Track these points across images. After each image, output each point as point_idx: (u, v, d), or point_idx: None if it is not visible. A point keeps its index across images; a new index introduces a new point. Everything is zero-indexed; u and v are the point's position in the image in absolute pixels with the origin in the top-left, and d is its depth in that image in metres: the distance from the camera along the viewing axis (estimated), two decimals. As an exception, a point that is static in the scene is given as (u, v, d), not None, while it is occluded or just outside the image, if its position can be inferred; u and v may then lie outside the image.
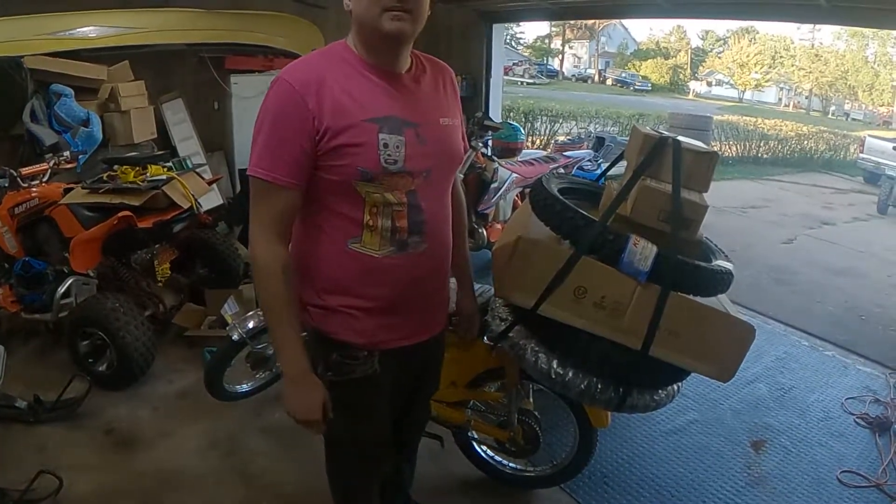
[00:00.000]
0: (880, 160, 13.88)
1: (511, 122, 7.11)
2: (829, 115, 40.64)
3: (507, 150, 5.73)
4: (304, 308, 1.69)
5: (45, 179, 4.03)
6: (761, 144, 17.00)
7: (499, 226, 5.20)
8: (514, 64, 39.36)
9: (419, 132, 1.59)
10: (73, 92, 5.12)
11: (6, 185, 3.87)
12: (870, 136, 16.23)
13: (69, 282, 3.81)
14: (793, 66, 43.71)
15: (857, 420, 3.73)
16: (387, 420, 1.87)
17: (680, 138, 1.99)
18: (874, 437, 3.56)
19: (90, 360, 3.60)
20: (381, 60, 1.59)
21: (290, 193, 1.54)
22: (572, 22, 42.07)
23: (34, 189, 3.92)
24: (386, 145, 1.52)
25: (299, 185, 1.54)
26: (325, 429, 1.68)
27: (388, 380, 1.76)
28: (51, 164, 4.09)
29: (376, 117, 1.53)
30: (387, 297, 1.67)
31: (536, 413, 2.65)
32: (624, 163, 2.15)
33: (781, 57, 44.32)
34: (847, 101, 42.95)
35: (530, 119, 13.98)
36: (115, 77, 5.55)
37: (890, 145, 14.37)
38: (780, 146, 17.43)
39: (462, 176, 4.58)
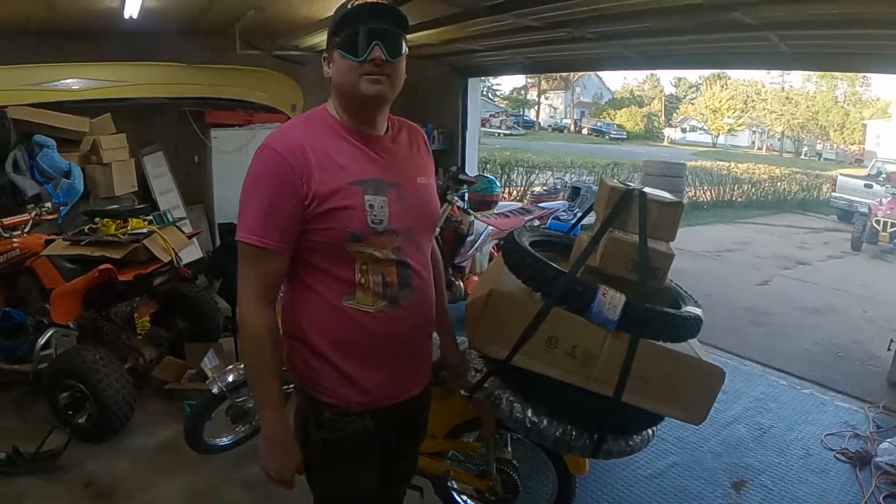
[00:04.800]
0: (853, 198, 14.20)
1: (486, 174, 7.23)
2: (802, 156, 41.48)
3: (483, 202, 5.83)
4: (297, 369, 1.72)
5: (26, 230, 4.05)
6: (735, 188, 17.30)
7: (475, 278, 5.22)
8: (490, 115, 40.04)
9: (400, 192, 1.66)
10: (55, 143, 5.17)
11: (-14, 234, 3.88)
12: (841, 174, 16.65)
13: (49, 333, 3.81)
14: (764, 109, 44.62)
15: (837, 455, 3.76)
16: (376, 474, 1.87)
17: (646, 189, 2.07)
18: (855, 472, 3.59)
19: (70, 412, 3.58)
20: (360, 124, 1.66)
21: (279, 257, 1.58)
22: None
23: (15, 239, 3.93)
24: (371, 206, 1.59)
25: (288, 249, 1.59)
26: (317, 485, 1.73)
27: (380, 435, 1.79)
28: (32, 214, 4.11)
29: (360, 180, 1.60)
30: (383, 353, 1.70)
31: (515, 462, 2.67)
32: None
33: (753, 101, 45.26)
34: (819, 141, 43.90)
35: (507, 170, 14.18)
36: (97, 129, 5.62)
37: (861, 183, 14.73)
38: (753, 189, 17.75)
39: (438, 230, 4.66)
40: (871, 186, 14.19)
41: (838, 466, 3.67)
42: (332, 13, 1.64)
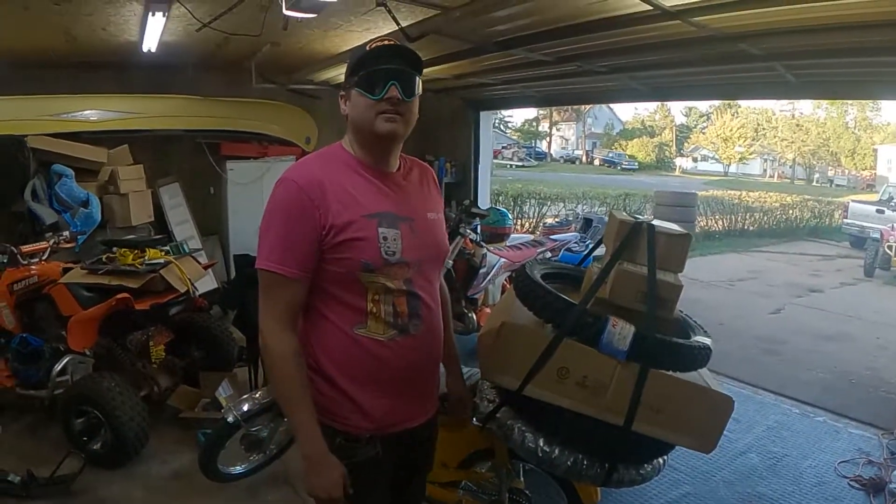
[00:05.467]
0: (864, 224, 14.12)
1: (499, 207, 7.28)
2: (814, 183, 41.28)
3: (496, 235, 5.87)
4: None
5: (44, 258, 4.13)
6: (747, 217, 17.18)
7: (488, 310, 5.26)
8: (503, 147, 40.01)
9: (412, 226, 1.73)
10: (73, 173, 5.29)
11: (6, 261, 3.96)
12: (853, 200, 16.61)
13: (66, 360, 3.86)
14: (775, 137, 44.46)
15: (850, 483, 3.74)
16: (387, 502, 1.90)
17: (654, 222, 2.11)
18: (869, 499, 3.57)
19: (85, 438, 3.61)
20: (374, 160, 1.74)
21: (299, 284, 1.65)
22: (558, 105, 42.82)
23: (34, 267, 4.01)
24: (385, 238, 1.66)
25: (307, 276, 1.65)
26: None
27: (389, 462, 1.82)
28: (50, 242, 4.20)
29: (375, 213, 1.67)
30: (391, 381, 1.74)
31: (527, 492, 2.66)
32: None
33: (764, 129, 45.09)
34: (830, 167, 43.69)
35: (519, 203, 14.17)
36: (114, 160, 5.74)
37: (873, 208, 14.67)
38: (765, 217, 17.65)
39: (451, 262, 4.71)
40: (882, 212, 14.15)
41: (852, 494, 3.66)
42: (346, 48, 1.73)
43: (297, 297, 1.67)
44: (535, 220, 13.47)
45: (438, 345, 1.87)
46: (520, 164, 39.10)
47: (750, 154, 45.20)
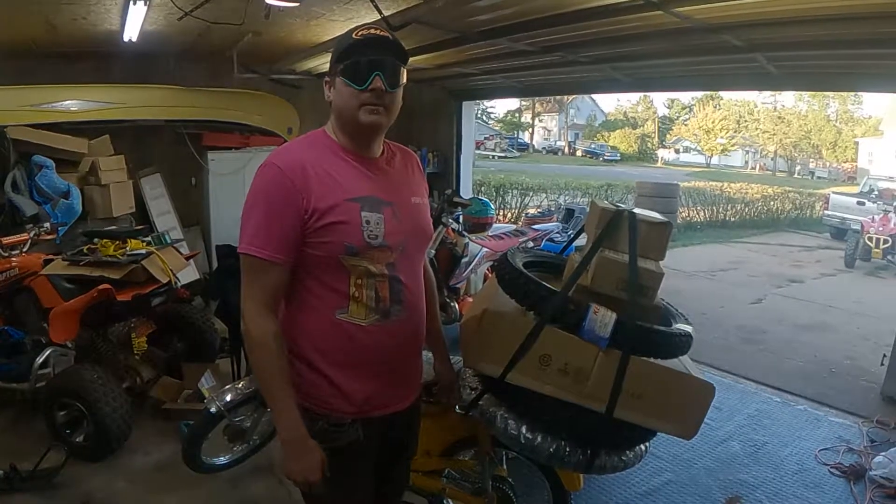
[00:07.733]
0: (845, 215, 14.23)
1: (481, 197, 7.30)
2: (795, 175, 41.60)
3: (478, 225, 5.88)
4: (292, 382, 1.74)
5: (24, 249, 4.10)
6: (728, 208, 17.27)
7: (470, 299, 5.27)
8: (485, 138, 40.20)
9: (395, 210, 1.74)
10: (54, 164, 5.23)
11: (-15, 252, 3.90)
12: (833, 192, 16.71)
13: (47, 352, 3.83)
14: (757, 129, 44.87)
15: (831, 470, 3.79)
16: (371, 486, 1.91)
17: (635, 210, 2.12)
18: (849, 486, 3.62)
19: (67, 431, 3.60)
20: (358, 147, 1.74)
21: (280, 269, 1.65)
22: (541, 96, 42.87)
23: (14, 258, 3.98)
24: (368, 222, 1.67)
25: (289, 261, 1.65)
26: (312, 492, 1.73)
27: (371, 447, 1.84)
28: (31, 234, 4.16)
29: (357, 197, 1.68)
30: (373, 365, 1.76)
31: (510, 479, 2.69)
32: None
33: (746, 121, 45.49)
34: (812, 159, 44.10)
35: (501, 193, 14.15)
36: (95, 150, 5.68)
37: (854, 200, 14.80)
38: (746, 209, 17.74)
39: (433, 252, 4.71)
40: (863, 204, 14.25)
41: (833, 481, 3.70)
42: (328, 38, 1.72)
43: (279, 282, 1.67)
44: (517, 211, 13.44)
45: (421, 330, 1.89)
46: (502, 154, 39.22)
47: (732, 146, 45.55)
